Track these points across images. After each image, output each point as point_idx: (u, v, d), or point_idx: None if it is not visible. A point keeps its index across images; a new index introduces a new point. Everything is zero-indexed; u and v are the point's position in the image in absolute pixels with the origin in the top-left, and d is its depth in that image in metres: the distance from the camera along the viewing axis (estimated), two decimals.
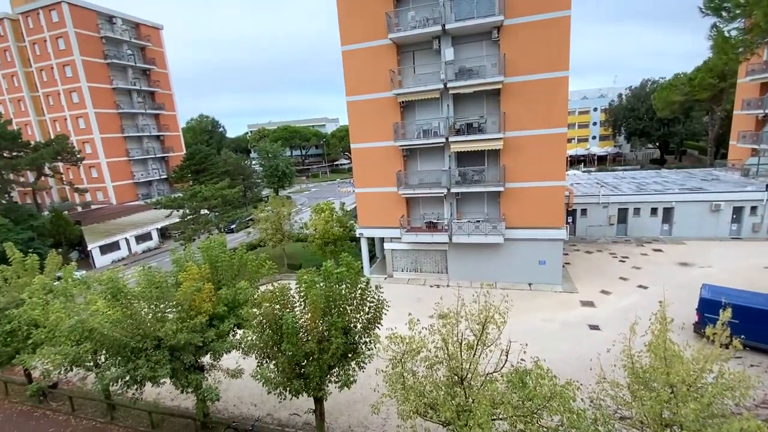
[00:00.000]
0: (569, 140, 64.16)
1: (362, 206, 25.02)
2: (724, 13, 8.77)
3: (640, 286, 21.12)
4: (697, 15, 9.14)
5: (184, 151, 54.28)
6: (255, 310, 10.63)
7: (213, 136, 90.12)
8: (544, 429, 7.83)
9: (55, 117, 49.50)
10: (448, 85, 20.82)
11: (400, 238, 23.74)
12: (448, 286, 23.34)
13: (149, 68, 53.71)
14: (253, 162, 64.60)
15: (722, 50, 9.36)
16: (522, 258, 22.08)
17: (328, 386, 10.65)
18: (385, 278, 25.18)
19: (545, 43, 19.47)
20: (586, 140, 71.65)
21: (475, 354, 8.60)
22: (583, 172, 48.71)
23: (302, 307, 10.30)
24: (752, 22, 8.45)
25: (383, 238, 25.34)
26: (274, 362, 10.35)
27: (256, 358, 10.81)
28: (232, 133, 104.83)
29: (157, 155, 54.53)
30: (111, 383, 10.50)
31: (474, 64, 21.16)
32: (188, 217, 32.42)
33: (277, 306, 10.27)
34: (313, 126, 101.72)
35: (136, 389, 10.96)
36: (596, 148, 68.53)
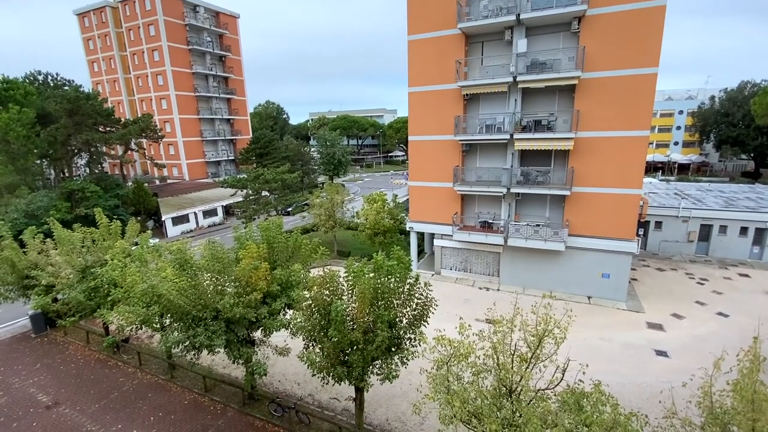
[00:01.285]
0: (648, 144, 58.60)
1: (415, 200, 24.73)
2: None
3: (720, 314, 18.76)
4: None
5: (251, 135, 57.52)
6: (306, 293, 10.89)
7: (277, 122, 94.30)
8: None
9: (143, 97, 54.67)
10: (518, 78, 19.68)
11: (451, 235, 23.16)
12: (498, 290, 22.41)
13: (225, 55, 57.22)
14: (312, 149, 66.74)
15: None
16: (583, 269, 20.53)
17: (370, 377, 10.66)
18: (433, 275, 24.79)
19: (633, 35, 17.61)
20: (666, 146, 64.85)
21: (528, 368, 8.07)
22: (661, 180, 44.14)
23: (350, 295, 10.35)
24: None
25: (433, 234, 24.90)
26: (319, 346, 10.55)
27: (303, 340, 11.09)
28: (294, 120, 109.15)
29: (227, 137, 58.26)
30: (173, 346, 11.37)
31: (548, 57, 19.75)
32: (250, 198, 34.29)
33: (327, 292, 10.41)
34: (371, 116, 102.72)
35: (194, 354, 11.78)
36: (678, 155, 61.75)
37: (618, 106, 18.39)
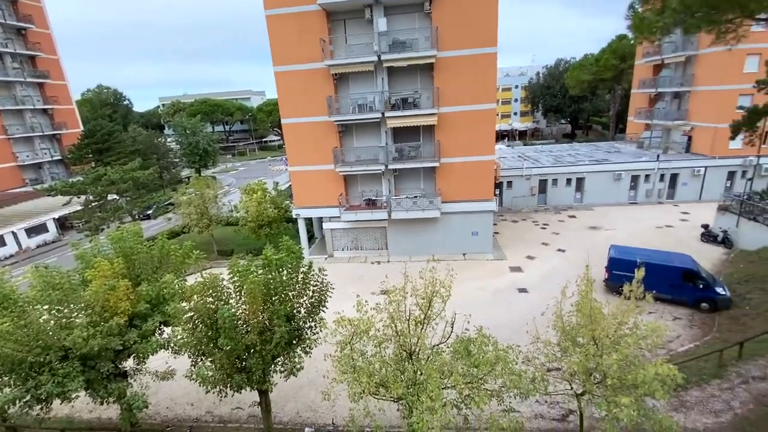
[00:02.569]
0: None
1: (298, 185, 23.91)
2: None
3: (560, 250, 23.34)
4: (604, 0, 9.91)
5: (81, 128, 46.94)
6: (184, 304, 9.60)
7: (117, 109, 79.11)
8: (489, 392, 8.26)
9: None
10: (382, 57, 20.26)
11: (339, 217, 23.24)
12: (388, 262, 23.60)
13: (25, 27, 44.65)
14: (169, 139, 58.24)
15: (639, 30, 10.20)
16: (457, 230, 23.00)
17: (272, 377, 10.15)
18: (326, 258, 24.68)
19: (475, 18, 19.69)
20: (508, 116, 76.10)
21: (422, 328, 8.70)
22: (507, 146, 51.83)
23: (239, 297, 9.53)
24: (664, 3, 9.21)
25: (322, 217, 24.62)
26: (210, 359, 9.53)
27: (190, 357, 9.88)
28: (140, 107, 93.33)
29: (46, 132, 46.44)
30: (6, 406, 8.87)
31: (407, 36, 20.76)
32: (93, 204, 28.32)
33: (210, 299, 9.37)
34: (236, 99, 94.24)
35: (41, 408, 9.42)
36: (518, 124, 73.25)
37: (469, 83, 20.57)
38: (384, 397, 8.52)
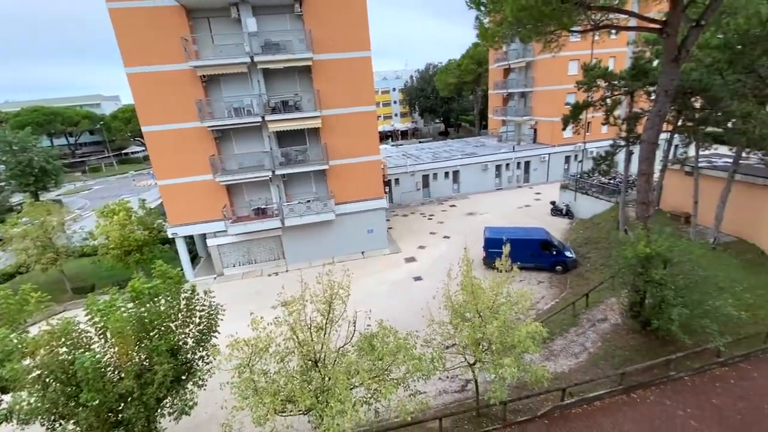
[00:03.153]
0: (377, 117, 70.35)
1: (171, 201, 21.24)
2: (482, 7, 10.97)
3: (445, 237, 25.58)
4: (465, 9, 11.26)
5: None
6: (28, 362, 7.72)
7: None
8: (395, 381, 8.60)
9: None
10: (256, 59, 19.28)
11: (226, 231, 21.42)
12: (287, 271, 22.71)
13: None
14: None
15: (484, 39, 11.82)
16: (353, 230, 23.36)
17: (160, 423, 8.85)
18: (215, 278, 22.53)
19: (347, 23, 20.16)
20: (390, 117, 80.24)
21: (325, 333, 8.60)
22: (392, 146, 54.65)
23: (104, 340, 8.05)
24: (502, 16, 10.76)
25: (205, 234, 22.37)
26: (73, 421, 7.85)
27: (43, 424, 7.98)
28: None
29: None
30: None
31: (280, 38, 20.16)
32: None
33: (63, 349, 7.71)
34: (81, 106, 79.09)
35: None
36: (399, 124, 77.74)
37: (349, 86, 21.02)
38: (292, 413, 8.17)
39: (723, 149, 22.26)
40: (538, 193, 33.68)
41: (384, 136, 72.45)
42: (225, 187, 21.31)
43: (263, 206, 22.12)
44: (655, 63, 16.91)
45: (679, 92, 14.96)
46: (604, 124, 20.47)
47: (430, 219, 29.57)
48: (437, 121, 77.31)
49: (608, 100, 18.41)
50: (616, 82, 17.83)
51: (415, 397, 8.69)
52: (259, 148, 21.37)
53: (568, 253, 19.80)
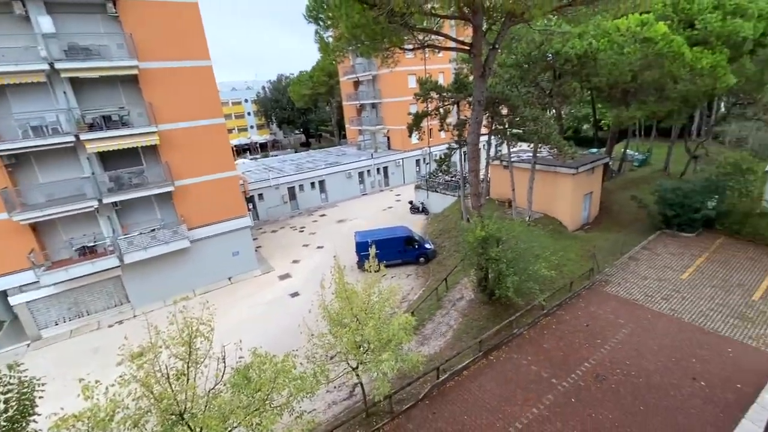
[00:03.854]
0: (230, 130, 65.76)
1: None
2: (320, 22, 11.35)
3: (319, 247, 25.50)
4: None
5: None
6: None
7: None
8: (278, 408, 8.13)
9: None
10: (58, 66, 15.74)
11: (38, 282, 16.81)
12: (134, 317, 19.12)
13: None
14: None
15: (325, 52, 12.25)
16: (215, 255, 21.20)
17: None
18: (28, 345, 17.46)
19: (178, 29, 18.23)
20: (246, 130, 75.84)
21: (188, 379, 7.54)
22: (251, 160, 51.74)
23: None
24: (339, 32, 11.31)
25: (5, 291, 17.12)
26: None
27: None
28: None
29: None
30: None
31: (91, 41, 16.91)
32: None
33: None
34: None
35: None
36: (257, 137, 74.17)
37: (189, 97, 19.03)
38: None
39: (525, 146, 28.18)
40: (398, 195, 36.60)
41: (242, 150, 68.06)
42: (29, 226, 16.73)
43: (91, 244, 18.17)
44: (471, 78, 20.33)
45: (489, 102, 18.31)
46: (440, 130, 23.61)
47: (302, 231, 29.06)
48: (297, 132, 76.60)
49: (441, 110, 21.28)
50: (445, 94, 20.75)
51: (302, 419, 8.39)
52: (75, 173, 17.48)
53: (427, 245, 22.06)
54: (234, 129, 71.59)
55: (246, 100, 75.31)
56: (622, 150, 34.21)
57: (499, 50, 13.85)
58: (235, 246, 21.86)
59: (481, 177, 19.64)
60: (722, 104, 34.75)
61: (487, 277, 14.69)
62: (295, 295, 19.73)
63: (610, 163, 28.91)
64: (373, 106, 42.96)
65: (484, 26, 13.32)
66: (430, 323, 15.59)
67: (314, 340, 10.00)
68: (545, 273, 13.47)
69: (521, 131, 19.77)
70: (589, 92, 25.68)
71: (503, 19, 12.48)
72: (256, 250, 23.88)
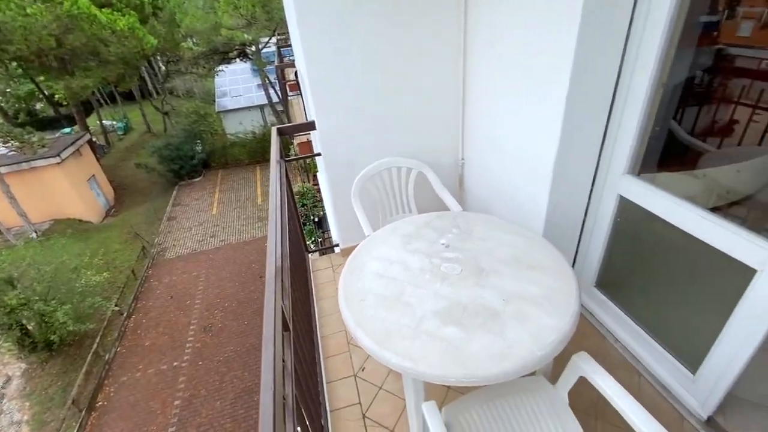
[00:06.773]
0: None
1: None
2: None
3: None
4: None
5: None
6: None
7: None
8: None
9: None
10: None
11: None
12: None
13: None
14: None
15: None
16: None
17: None
18: None
19: None
20: None
21: None
22: None
23: None
24: None
25: None
26: None
27: None
28: None
29: None
30: None
31: None
32: None
33: None
34: None
35: None
36: None
37: None
38: None
39: None
40: None
41: None
42: None
43: None
44: None
45: None
46: None
47: None
48: None
49: None
50: None
51: None
52: None
53: None
54: None
55: None
56: (98, 122, 31.90)
57: None
58: None
59: None
60: (160, 63, 39.04)
61: (27, 331, 10.75)
62: None
63: (95, 139, 26.53)
64: None
65: None
66: None
67: None
68: (97, 279, 11.67)
69: None
70: (15, 64, 20.67)
71: None
72: None
